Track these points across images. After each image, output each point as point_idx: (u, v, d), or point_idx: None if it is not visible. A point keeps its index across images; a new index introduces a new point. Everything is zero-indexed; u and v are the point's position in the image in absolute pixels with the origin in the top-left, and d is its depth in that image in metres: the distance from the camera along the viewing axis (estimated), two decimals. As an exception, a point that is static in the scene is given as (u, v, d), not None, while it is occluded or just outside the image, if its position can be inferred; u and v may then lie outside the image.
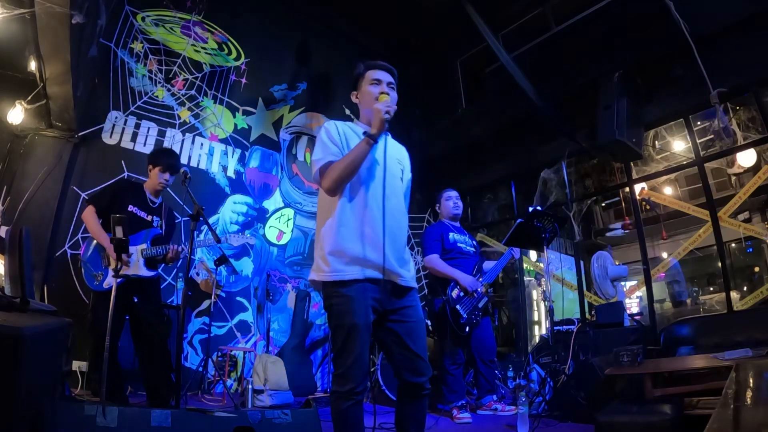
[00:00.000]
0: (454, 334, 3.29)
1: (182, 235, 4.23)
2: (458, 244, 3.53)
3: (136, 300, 2.74)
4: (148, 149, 4.31)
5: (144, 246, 2.78)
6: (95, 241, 2.76)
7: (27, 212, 3.68)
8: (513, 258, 3.53)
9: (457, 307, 3.29)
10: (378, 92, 1.72)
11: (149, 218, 2.89)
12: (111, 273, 2.38)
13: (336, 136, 1.69)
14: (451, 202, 3.68)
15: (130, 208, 2.81)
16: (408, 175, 1.87)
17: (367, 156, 1.62)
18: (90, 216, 2.75)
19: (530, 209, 3.24)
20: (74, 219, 3.87)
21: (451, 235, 3.54)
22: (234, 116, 5.13)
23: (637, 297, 7.01)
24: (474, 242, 3.73)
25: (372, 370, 4.31)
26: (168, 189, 4.26)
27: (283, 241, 5.19)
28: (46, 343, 1.43)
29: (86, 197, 3.89)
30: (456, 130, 6.12)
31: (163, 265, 3.01)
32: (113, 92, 4.32)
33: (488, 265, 3.63)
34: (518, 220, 3.34)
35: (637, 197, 5.05)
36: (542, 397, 3.11)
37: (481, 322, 3.41)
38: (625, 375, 2.71)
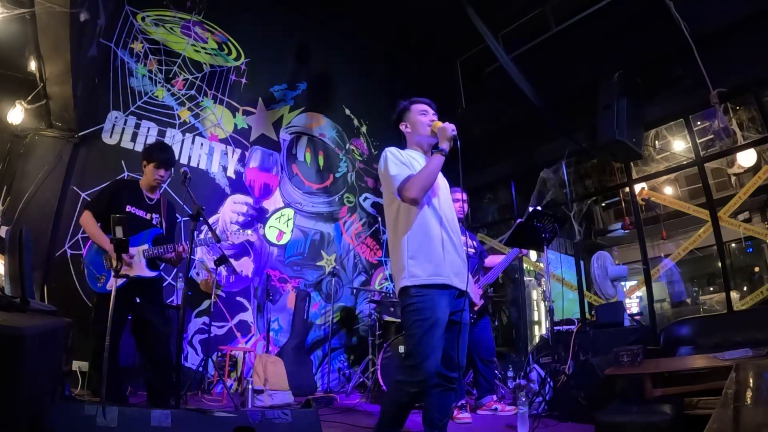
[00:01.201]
0: None
1: (182, 236, 4.23)
2: None
3: (138, 300, 2.74)
4: (148, 149, 4.31)
5: (145, 246, 2.77)
6: (96, 244, 2.74)
7: (27, 212, 3.68)
8: (520, 253, 3.50)
9: None
10: (429, 120, 2.04)
11: (148, 216, 2.86)
12: (113, 274, 2.37)
13: (401, 157, 1.95)
14: (457, 204, 3.63)
15: (128, 208, 2.78)
16: None
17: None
18: (88, 220, 2.73)
19: (530, 209, 3.24)
20: (74, 219, 3.87)
21: None
22: (234, 116, 5.13)
23: (637, 297, 7.01)
24: (475, 242, 3.71)
25: (372, 370, 4.31)
26: (168, 189, 4.30)
27: (283, 241, 5.20)
28: (46, 343, 1.43)
29: (86, 197, 3.89)
30: (456, 130, 6.11)
31: (164, 264, 3.00)
32: (113, 92, 4.32)
33: (492, 260, 3.62)
34: (518, 221, 3.33)
35: (637, 197, 5.05)
36: (542, 397, 3.11)
37: (479, 322, 3.40)
38: (625, 375, 2.71)
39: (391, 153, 1.96)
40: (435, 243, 1.84)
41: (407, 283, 1.79)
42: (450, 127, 1.91)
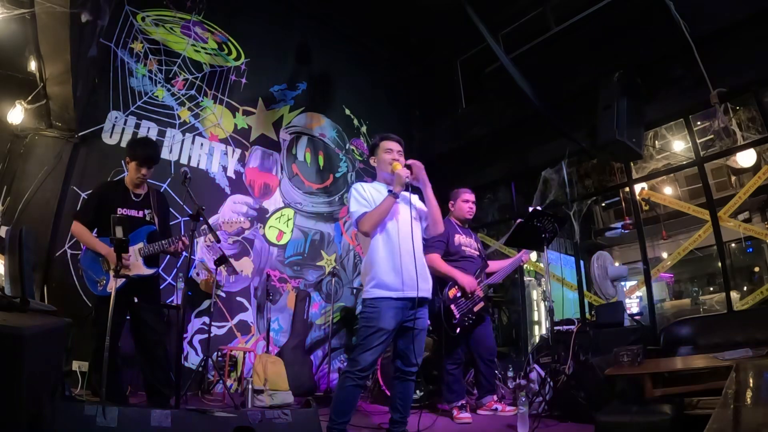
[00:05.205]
0: (450, 333, 3.28)
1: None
2: (463, 247, 3.50)
3: (136, 300, 2.74)
4: (148, 149, 4.30)
5: (141, 245, 2.76)
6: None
7: (27, 212, 3.68)
8: (521, 262, 3.53)
9: (452, 306, 3.27)
10: (390, 159, 2.29)
11: (140, 214, 2.85)
12: (112, 275, 2.37)
13: (364, 193, 2.25)
14: (467, 205, 3.63)
15: (119, 211, 2.77)
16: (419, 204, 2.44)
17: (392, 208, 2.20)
18: (78, 229, 2.71)
19: (530, 209, 3.23)
20: (74, 219, 3.87)
21: (456, 237, 3.51)
22: (234, 116, 5.13)
23: (637, 297, 7.00)
24: (479, 245, 3.70)
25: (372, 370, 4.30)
26: (168, 189, 4.30)
27: (283, 241, 5.19)
28: (46, 343, 1.43)
29: (86, 197, 3.88)
30: (456, 130, 6.12)
31: (165, 262, 2.99)
32: (113, 92, 4.32)
33: (495, 265, 3.61)
34: (518, 220, 3.33)
35: (637, 197, 5.05)
36: (542, 397, 3.11)
37: (480, 323, 3.39)
38: (625, 375, 2.71)
39: (355, 190, 2.27)
40: (388, 263, 2.14)
41: (365, 296, 2.20)
42: (404, 174, 2.16)
